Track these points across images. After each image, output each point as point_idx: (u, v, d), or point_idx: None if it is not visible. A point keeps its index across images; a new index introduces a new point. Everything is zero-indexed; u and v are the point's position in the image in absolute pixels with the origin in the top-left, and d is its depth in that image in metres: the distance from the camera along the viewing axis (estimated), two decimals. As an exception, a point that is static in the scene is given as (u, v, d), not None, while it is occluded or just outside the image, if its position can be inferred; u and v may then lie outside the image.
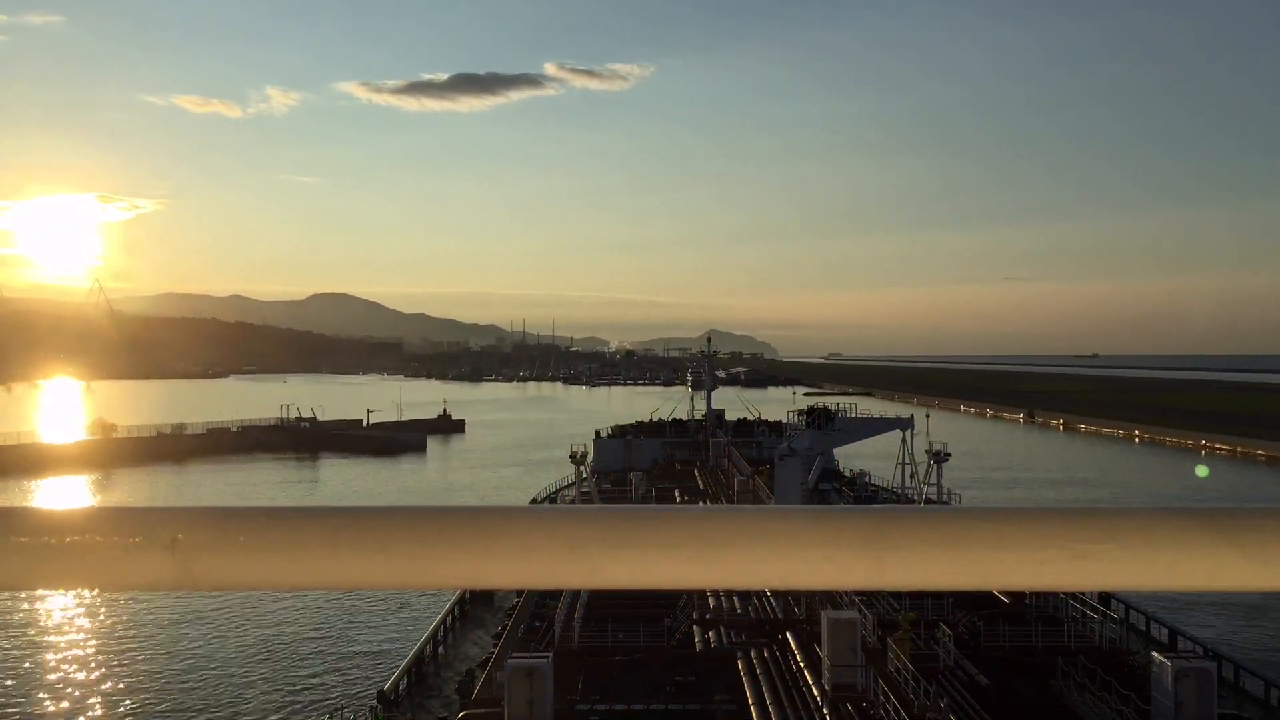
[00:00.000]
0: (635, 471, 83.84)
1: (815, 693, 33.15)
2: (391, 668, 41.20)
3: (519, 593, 46.14)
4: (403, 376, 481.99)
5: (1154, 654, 33.62)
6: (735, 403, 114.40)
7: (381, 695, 36.10)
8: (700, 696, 33.02)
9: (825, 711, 31.58)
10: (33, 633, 52.31)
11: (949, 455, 70.36)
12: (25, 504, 1.48)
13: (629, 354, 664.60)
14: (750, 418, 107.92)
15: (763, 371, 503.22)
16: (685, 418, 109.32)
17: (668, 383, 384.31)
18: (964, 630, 38.44)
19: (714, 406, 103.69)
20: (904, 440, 71.58)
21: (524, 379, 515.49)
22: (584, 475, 69.09)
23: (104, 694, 44.93)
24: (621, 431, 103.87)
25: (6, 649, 50.19)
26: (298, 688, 45.74)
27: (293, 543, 1.42)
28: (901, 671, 33.70)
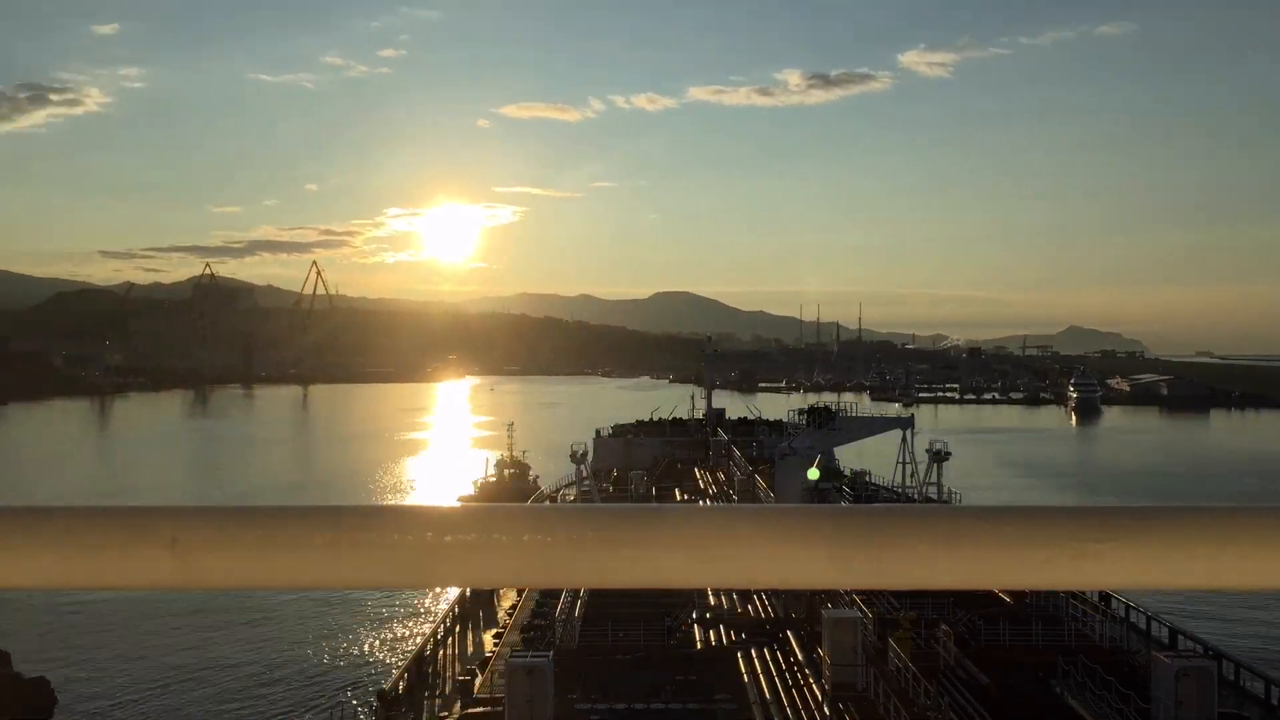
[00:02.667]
0: (636, 471, 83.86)
1: (816, 692, 33.16)
2: (392, 667, 41.21)
3: (519, 592, 46.15)
4: (663, 380, 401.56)
5: (1154, 653, 33.63)
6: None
7: (382, 694, 36.10)
8: (701, 695, 33.01)
9: (826, 710, 31.60)
10: (33, 632, 52.31)
11: (949, 454, 70.39)
12: (24, 504, 1.48)
13: (975, 352, 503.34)
14: (750, 417, 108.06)
15: (1198, 383, 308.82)
16: (685, 417, 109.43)
17: (1034, 398, 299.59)
18: (964, 629, 38.44)
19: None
20: (904, 439, 71.56)
21: (797, 387, 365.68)
22: (584, 474, 69.10)
23: (104, 694, 44.96)
24: (622, 431, 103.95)
25: (6, 649, 50.22)
26: (299, 687, 45.78)
27: (292, 542, 1.42)
28: (902, 670, 33.71)
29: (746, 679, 34.45)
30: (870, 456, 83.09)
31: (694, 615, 40.67)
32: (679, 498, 71.85)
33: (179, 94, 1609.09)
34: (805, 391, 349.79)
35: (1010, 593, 41.34)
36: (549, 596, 44.28)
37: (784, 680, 34.41)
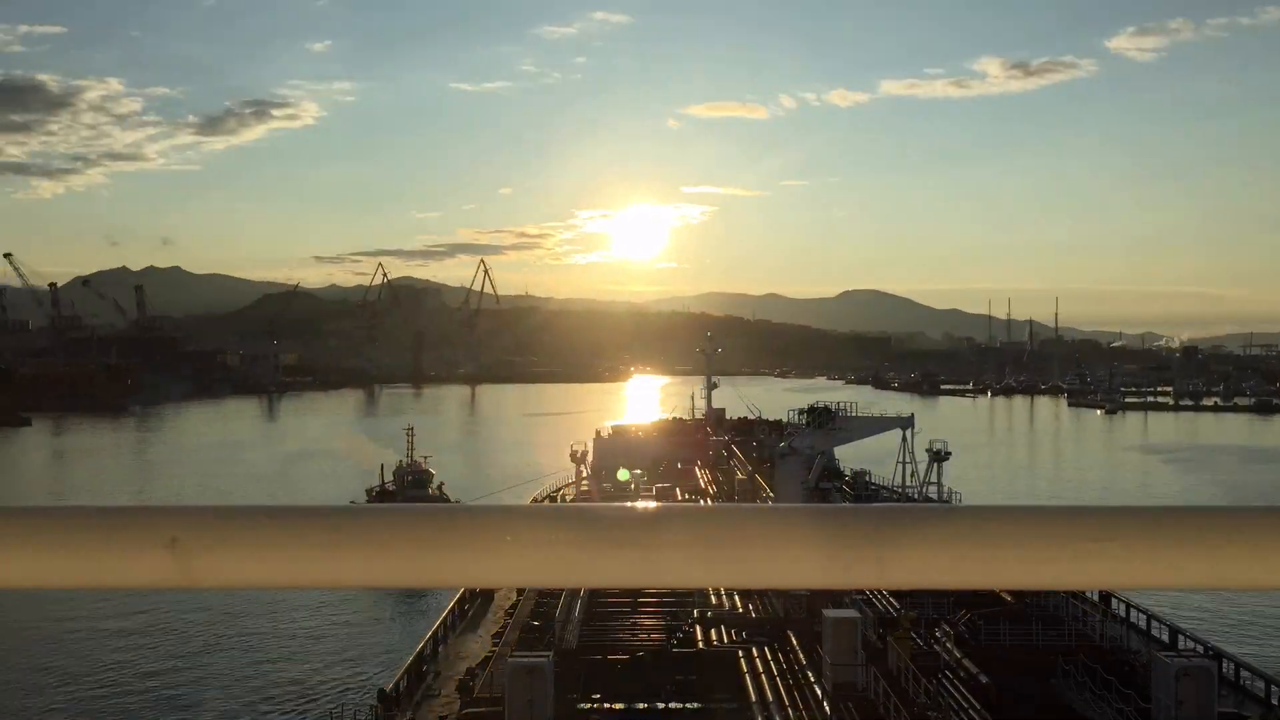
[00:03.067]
0: (636, 470, 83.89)
1: (816, 691, 33.16)
2: (392, 667, 41.21)
3: (519, 592, 46.15)
4: (837, 381, 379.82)
5: (1155, 653, 33.64)
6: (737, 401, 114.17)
7: (382, 694, 36.09)
8: (701, 695, 33.00)
9: (826, 710, 31.60)
10: (33, 631, 52.33)
11: (949, 454, 70.41)
12: (24, 504, 1.49)
13: (1190, 351, 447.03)
14: (750, 416, 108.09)
15: None
16: (686, 417, 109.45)
17: (1265, 405, 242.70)
18: (964, 629, 38.44)
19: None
20: (904, 439, 71.55)
21: (984, 389, 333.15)
22: (584, 474, 69.12)
23: (104, 693, 44.98)
24: (622, 430, 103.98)
25: (6, 648, 50.22)
26: (298, 686, 45.78)
27: (292, 542, 1.42)
28: (902, 670, 33.71)
29: (747, 679, 34.44)
30: (871, 456, 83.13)
31: (695, 615, 40.69)
32: (679, 498, 71.85)
33: (386, 105, 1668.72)
34: (993, 394, 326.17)
35: (1010, 592, 41.35)
36: (549, 596, 44.27)
37: (784, 680, 34.41)
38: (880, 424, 70.38)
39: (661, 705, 32.19)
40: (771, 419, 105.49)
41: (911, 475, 72.04)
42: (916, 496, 69.46)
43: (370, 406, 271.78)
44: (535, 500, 70.61)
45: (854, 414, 69.20)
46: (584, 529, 1.43)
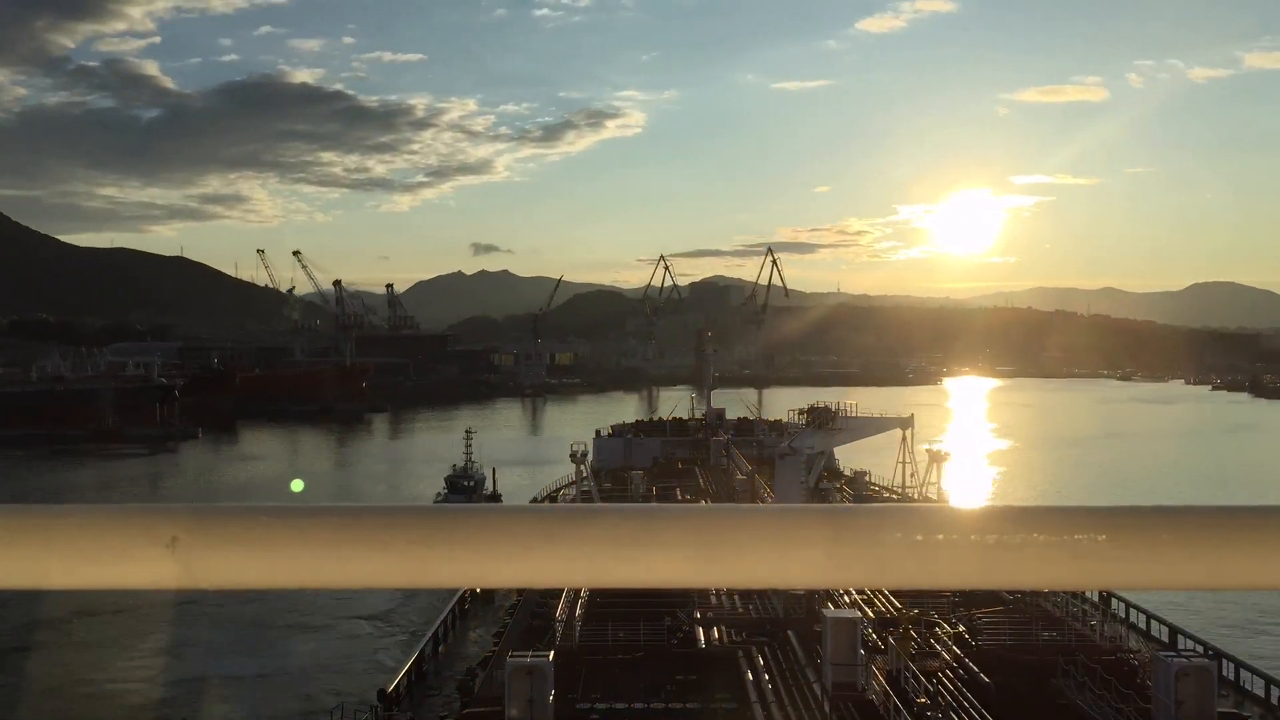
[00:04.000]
0: (636, 470, 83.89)
1: (816, 691, 33.17)
2: (392, 667, 41.23)
3: (519, 592, 46.15)
4: (1204, 385, 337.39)
5: (1154, 652, 33.63)
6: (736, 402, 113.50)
7: (382, 694, 36.09)
8: (701, 695, 33.01)
9: (826, 710, 31.60)
10: (32, 631, 52.35)
11: (948, 454, 70.49)
12: (23, 503, 1.49)
13: None
14: (751, 417, 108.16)
15: None
16: (686, 417, 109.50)
17: None
18: (964, 629, 38.45)
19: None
20: (904, 439, 71.57)
21: None
22: (584, 474, 69.12)
23: (105, 693, 44.98)
24: (622, 431, 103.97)
25: (5, 648, 50.24)
26: (299, 686, 45.80)
27: (293, 542, 1.42)
28: (902, 670, 33.71)
29: (747, 679, 34.45)
30: (870, 456, 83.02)
31: (695, 615, 40.68)
32: (679, 498, 71.86)
33: (709, 109, 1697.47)
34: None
35: (1010, 592, 41.36)
36: (549, 596, 44.25)
37: (784, 680, 34.42)
38: (880, 424, 70.38)
39: (662, 705, 32.20)
40: (771, 419, 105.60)
41: (911, 475, 72.08)
42: (916, 497, 69.50)
43: (639, 407, 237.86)
44: (535, 500, 70.62)
45: (853, 414, 69.17)
46: (584, 529, 1.43)
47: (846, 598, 41.72)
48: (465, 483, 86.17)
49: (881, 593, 42.46)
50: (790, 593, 40.87)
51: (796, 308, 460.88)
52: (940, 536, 1.41)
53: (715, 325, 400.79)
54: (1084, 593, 40.58)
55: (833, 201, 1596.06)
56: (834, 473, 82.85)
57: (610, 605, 40.00)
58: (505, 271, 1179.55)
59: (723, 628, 40.21)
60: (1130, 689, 31.07)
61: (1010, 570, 1.41)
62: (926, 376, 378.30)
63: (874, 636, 36.92)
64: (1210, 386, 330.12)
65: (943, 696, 31.80)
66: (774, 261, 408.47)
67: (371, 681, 42.94)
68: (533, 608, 44.07)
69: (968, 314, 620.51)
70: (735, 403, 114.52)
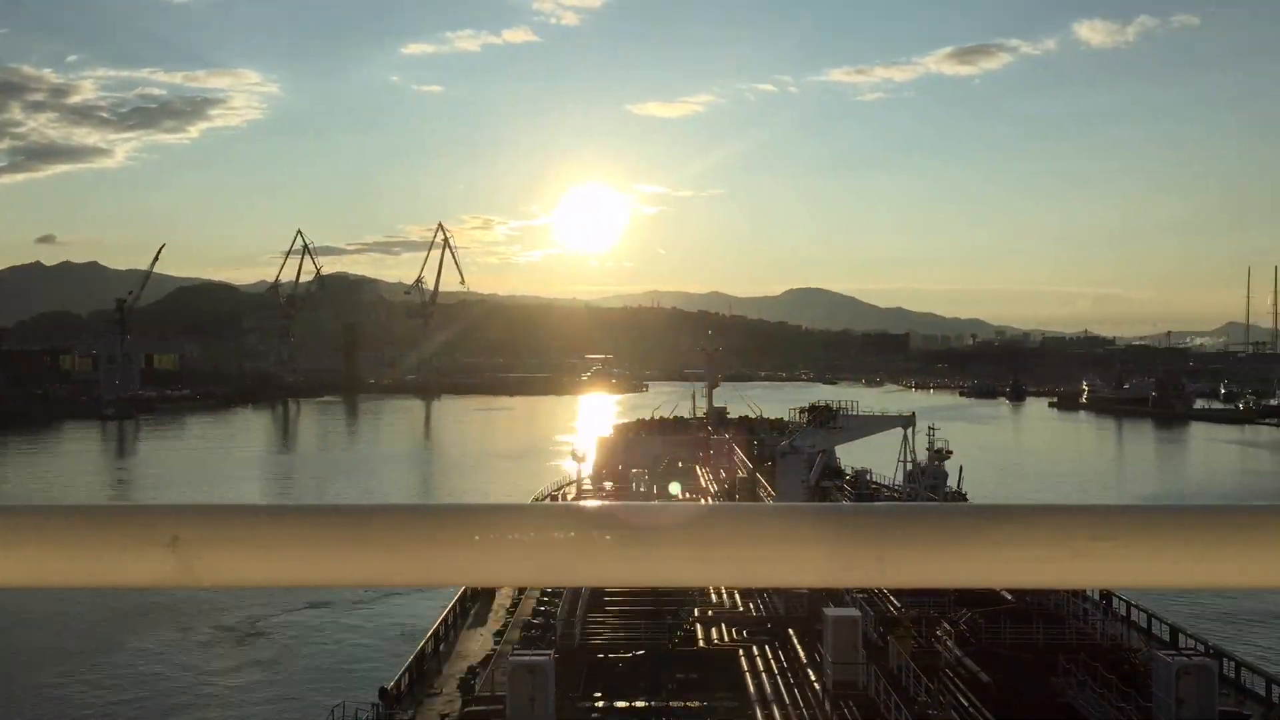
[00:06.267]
0: (637, 469, 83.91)
1: (817, 689, 33.18)
2: (393, 665, 41.23)
3: (520, 590, 46.18)
4: (905, 386, 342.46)
5: (1155, 651, 33.64)
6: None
7: (383, 693, 36.11)
8: (702, 694, 33.02)
9: (827, 708, 31.61)
10: (32, 630, 52.36)
11: (950, 453, 70.44)
12: (24, 503, 1.49)
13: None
14: (752, 415, 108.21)
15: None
16: (688, 415, 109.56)
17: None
18: (965, 628, 38.46)
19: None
20: (905, 438, 71.54)
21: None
22: (584, 474, 69.14)
23: (104, 693, 45.00)
24: (622, 430, 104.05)
25: (5, 648, 50.25)
26: (299, 685, 45.81)
27: (293, 540, 1.42)
28: (903, 669, 33.72)
29: (748, 677, 34.46)
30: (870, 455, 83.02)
31: (696, 614, 40.70)
32: (680, 497, 71.85)
33: (336, 105, 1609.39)
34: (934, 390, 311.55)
35: (1011, 591, 41.36)
36: (550, 595, 44.29)
37: (785, 678, 34.43)
38: (881, 423, 70.37)
39: (662, 703, 32.21)
40: (772, 418, 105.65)
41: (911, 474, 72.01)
42: (917, 495, 69.47)
43: (276, 432, 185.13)
44: (536, 499, 70.66)
45: (854, 412, 69.20)
46: (584, 528, 1.43)
47: (848, 596, 41.74)
48: None
49: (883, 591, 42.46)
50: (791, 591, 40.89)
51: (456, 305, 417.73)
52: (942, 534, 1.41)
53: (363, 324, 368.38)
54: (1084, 591, 40.58)
55: (462, 202, 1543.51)
56: (835, 471, 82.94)
57: (612, 603, 40.04)
58: (95, 263, 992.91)
59: (723, 626, 40.22)
60: (1131, 687, 31.07)
61: (1011, 569, 1.41)
62: (607, 383, 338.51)
63: (875, 635, 36.93)
64: (915, 387, 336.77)
65: (943, 695, 31.80)
66: (448, 244, 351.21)
67: (372, 680, 42.98)
68: (534, 606, 44.11)
69: (623, 314, 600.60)
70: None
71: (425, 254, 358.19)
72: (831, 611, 35.83)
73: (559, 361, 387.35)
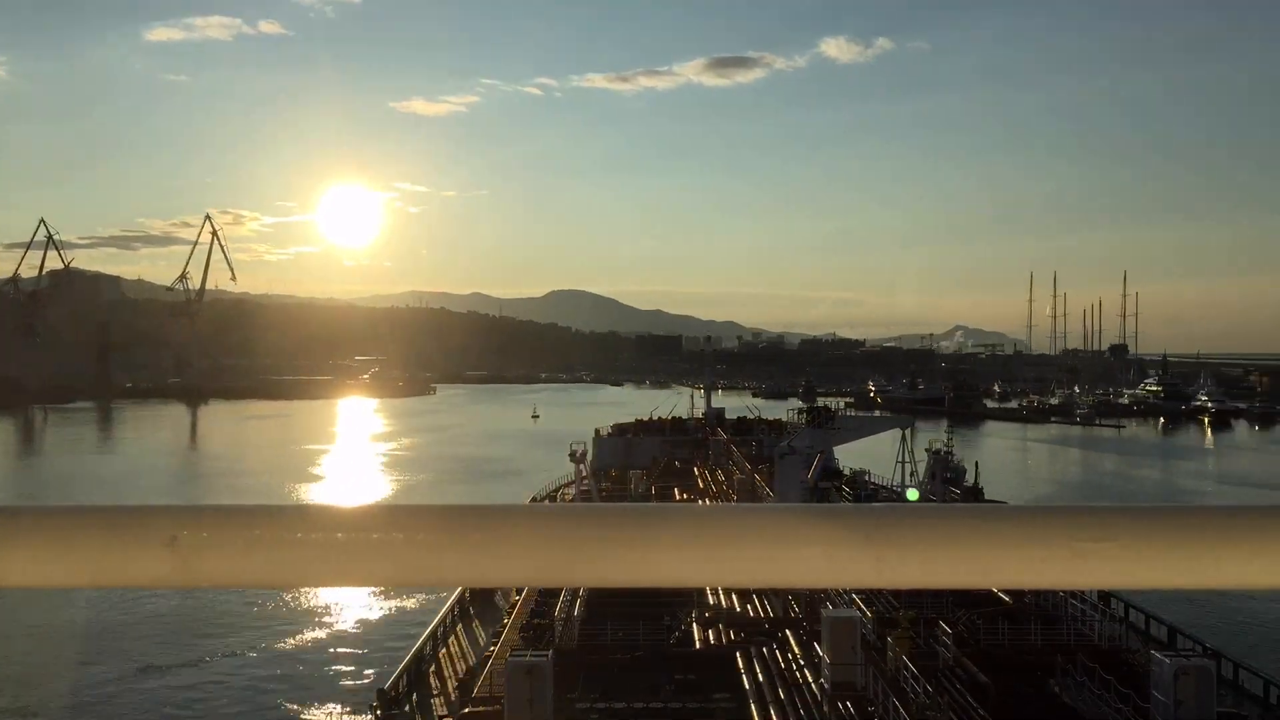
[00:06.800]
0: (635, 470, 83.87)
1: (815, 691, 33.17)
2: (391, 666, 41.22)
3: (519, 591, 46.16)
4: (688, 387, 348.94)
5: (1153, 652, 33.64)
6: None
7: (381, 693, 36.10)
8: (700, 695, 33.02)
9: (825, 709, 31.60)
10: (32, 630, 52.32)
11: (949, 453, 70.46)
12: (25, 503, 1.49)
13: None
14: (750, 416, 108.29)
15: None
16: (685, 416, 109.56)
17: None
18: (963, 628, 38.45)
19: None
20: (904, 439, 71.57)
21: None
22: (583, 474, 69.07)
23: (104, 692, 44.95)
24: (621, 430, 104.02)
25: (5, 648, 50.21)
26: (298, 686, 45.77)
27: (292, 541, 1.42)
28: (901, 670, 33.72)
29: (745, 678, 34.45)
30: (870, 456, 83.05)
31: (694, 614, 40.68)
32: (678, 497, 71.86)
33: (47, 87, 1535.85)
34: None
35: (1009, 592, 41.36)
36: (549, 595, 44.27)
37: (783, 679, 34.42)
38: (880, 424, 70.40)
39: (661, 704, 32.21)
40: (771, 418, 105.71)
41: (911, 475, 72.05)
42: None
43: (14, 448, 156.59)
44: (535, 500, 70.61)
45: (853, 413, 69.22)
46: (584, 529, 1.43)
47: (846, 597, 41.71)
48: None
49: (881, 592, 42.45)
50: (790, 591, 40.88)
51: (224, 302, 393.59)
52: (940, 535, 1.41)
53: (116, 324, 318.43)
54: (1083, 592, 40.58)
55: (211, 195, 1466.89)
56: (833, 472, 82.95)
57: (610, 604, 40.01)
58: None
59: (721, 627, 40.20)
60: (1129, 688, 31.08)
61: (1010, 568, 1.41)
62: (394, 387, 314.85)
63: (873, 636, 36.92)
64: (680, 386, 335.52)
65: (941, 696, 31.80)
66: (215, 236, 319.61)
67: (371, 680, 42.98)
68: (533, 607, 44.08)
69: (393, 315, 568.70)
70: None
71: (191, 249, 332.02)
72: (830, 612, 35.83)
73: (333, 364, 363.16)
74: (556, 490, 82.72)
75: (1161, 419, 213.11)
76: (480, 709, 32.56)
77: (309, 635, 53.32)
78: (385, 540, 1.42)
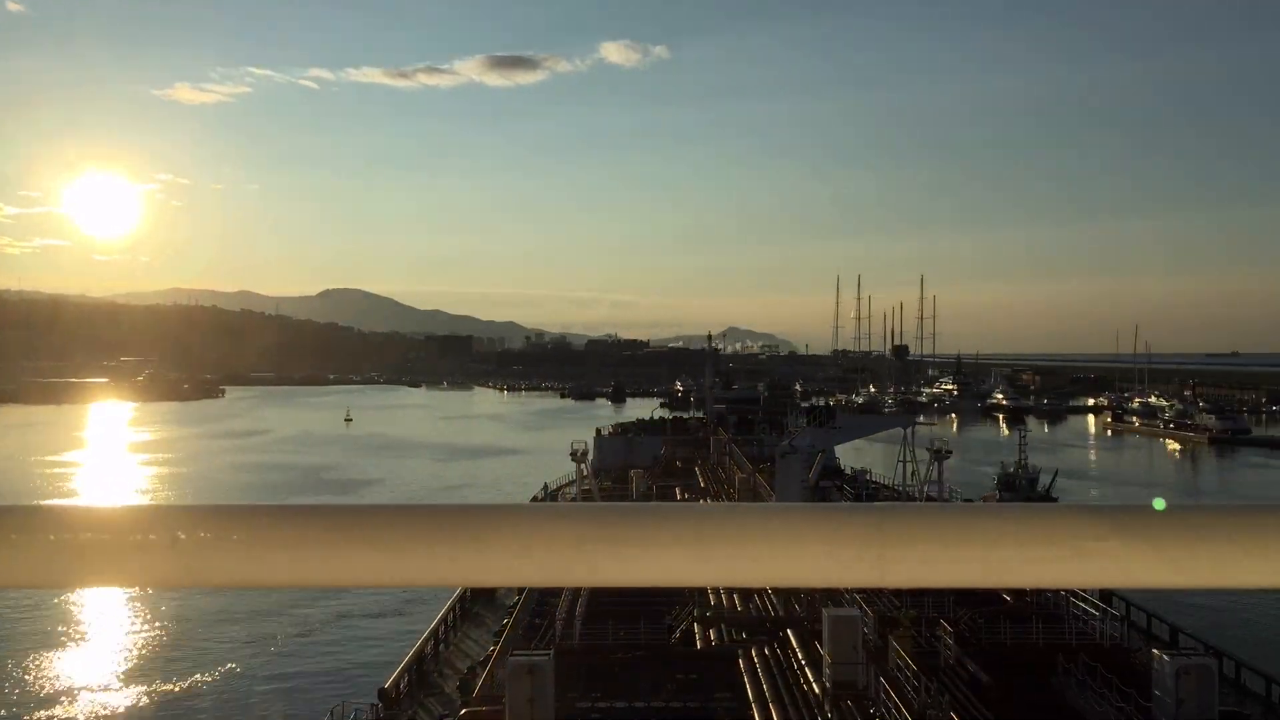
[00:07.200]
0: (636, 469, 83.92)
1: (816, 690, 33.17)
2: (392, 665, 41.25)
3: (520, 590, 46.19)
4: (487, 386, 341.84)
5: (1155, 651, 33.63)
6: None
7: (382, 693, 36.12)
8: (701, 694, 33.03)
9: (826, 709, 31.60)
10: (31, 630, 52.37)
11: (949, 453, 70.44)
12: (26, 503, 1.49)
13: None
14: (750, 416, 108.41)
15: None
16: (686, 415, 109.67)
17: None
18: (965, 627, 38.45)
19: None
20: (905, 438, 71.60)
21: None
22: (585, 473, 69.11)
23: (103, 693, 44.99)
24: (623, 429, 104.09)
25: (5, 647, 50.25)
26: (298, 685, 45.80)
27: (294, 541, 1.42)
28: (902, 669, 33.70)
29: (746, 677, 34.46)
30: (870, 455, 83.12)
31: (694, 613, 40.69)
32: (679, 497, 71.86)
33: None
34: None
35: (1011, 590, 41.36)
36: (550, 594, 44.27)
37: (784, 678, 34.42)
38: (881, 423, 70.42)
39: (662, 703, 32.22)
40: (773, 418, 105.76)
41: (912, 474, 72.08)
42: (917, 495, 69.51)
43: None
44: (535, 499, 70.64)
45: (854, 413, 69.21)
46: (584, 528, 1.43)
47: (847, 596, 41.72)
48: None
49: (882, 590, 42.45)
50: (791, 590, 40.86)
51: None
52: (942, 534, 1.41)
53: None
54: (1084, 590, 40.58)
55: None
56: (834, 471, 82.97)
57: (611, 603, 40.03)
58: None
59: (723, 626, 40.21)
60: (1131, 687, 31.07)
61: (1012, 567, 1.41)
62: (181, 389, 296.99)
63: (874, 635, 36.91)
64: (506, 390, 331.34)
65: (943, 695, 31.79)
66: None
67: (371, 680, 42.99)
68: (533, 606, 44.10)
69: (159, 314, 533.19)
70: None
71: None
72: (831, 611, 35.81)
73: (105, 365, 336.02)
74: (557, 489, 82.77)
75: (953, 415, 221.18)
76: (481, 708, 32.57)
77: (309, 633, 53.34)
78: (387, 539, 1.42)
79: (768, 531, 1.42)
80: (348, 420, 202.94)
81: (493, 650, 39.22)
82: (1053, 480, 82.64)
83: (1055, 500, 70.54)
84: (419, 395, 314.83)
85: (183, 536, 1.41)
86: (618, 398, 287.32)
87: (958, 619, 39.01)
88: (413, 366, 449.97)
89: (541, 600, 44.33)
